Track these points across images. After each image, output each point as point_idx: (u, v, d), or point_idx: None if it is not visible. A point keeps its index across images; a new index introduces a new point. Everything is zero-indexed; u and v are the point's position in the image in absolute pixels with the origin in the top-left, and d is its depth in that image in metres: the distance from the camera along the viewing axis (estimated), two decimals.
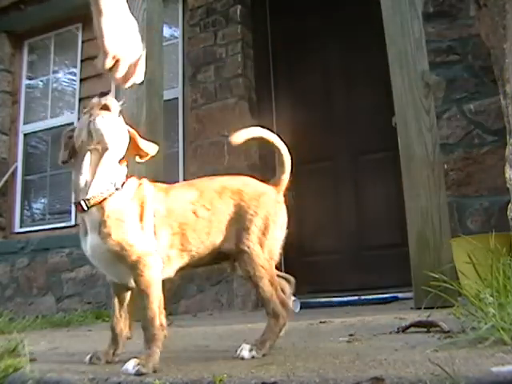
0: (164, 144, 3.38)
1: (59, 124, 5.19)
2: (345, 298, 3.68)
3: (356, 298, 3.66)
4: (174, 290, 3.67)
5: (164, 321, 1.33)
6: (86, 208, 1.37)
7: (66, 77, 5.41)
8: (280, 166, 1.64)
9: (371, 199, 3.99)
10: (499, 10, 2.04)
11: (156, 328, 1.29)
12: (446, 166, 3.32)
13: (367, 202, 4.01)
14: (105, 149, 1.35)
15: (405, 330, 1.63)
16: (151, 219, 1.39)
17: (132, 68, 1.30)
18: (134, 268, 1.33)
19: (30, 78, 5.54)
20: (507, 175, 2.02)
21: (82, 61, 5.12)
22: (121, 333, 1.49)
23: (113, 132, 1.35)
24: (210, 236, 1.44)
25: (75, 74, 5.21)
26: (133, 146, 1.45)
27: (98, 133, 1.33)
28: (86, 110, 1.41)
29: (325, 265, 4.04)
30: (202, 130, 4.35)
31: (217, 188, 1.49)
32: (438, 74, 3.48)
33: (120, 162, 1.42)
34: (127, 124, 1.46)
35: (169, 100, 4.16)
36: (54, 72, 5.45)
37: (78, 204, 1.39)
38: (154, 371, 1.22)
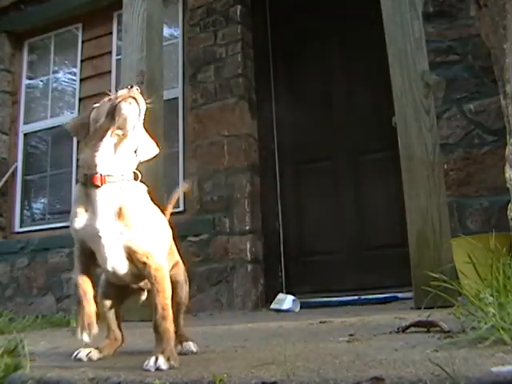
0: (164, 144, 3.38)
1: (59, 124, 5.18)
2: (345, 298, 3.68)
3: (356, 297, 3.66)
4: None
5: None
6: (103, 182, 1.32)
7: (66, 77, 5.41)
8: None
9: (371, 199, 3.99)
10: (499, 10, 2.04)
11: (170, 323, 1.31)
12: (446, 166, 3.32)
13: (367, 201, 4.01)
14: (125, 135, 1.34)
15: (405, 330, 1.63)
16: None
17: None
18: (146, 263, 1.34)
19: (30, 78, 5.54)
20: (507, 175, 2.02)
21: (81, 61, 5.13)
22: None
23: (135, 120, 1.34)
24: None
25: (75, 74, 5.21)
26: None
27: (122, 117, 1.31)
28: (110, 99, 1.38)
29: (325, 265, 4.04)
30: (202, 130, 4.35)
31: None
32: (437, 74, 3.48)
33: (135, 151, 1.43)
34: None
35: (169, 100, 4.16)
36: (54, 72, 5.45)
37: (92, 176, 1.33)
38: (173, 367, 1.23)
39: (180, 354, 1.48)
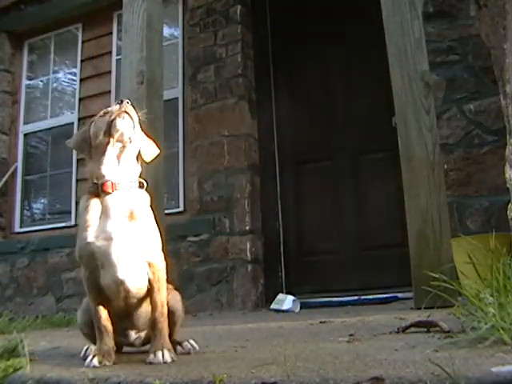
0: (164, 144, 3.38)
1: (59, 124, 5.19)
2: (345, 298, 3.68)
3: (356, 297, 3.66)
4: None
5: None
6: (114, 189, 1.41)
7: (66, 77, 5.41)
8: None
9: (371, 199, 3.99)
10: (499, 10, 2.04)
11: (166, 319, 1.41)
12: (446, 166, 3.32)
13: (367, 201, 4.01)
14: (124, 146, 1.44)
15: (405, 329, 1.63)
16: None
17: None
18: (151, 263, 1.43)
19: (30, 78, 5.54)
20: (507, 175, 2.02)
21: (81, 61, 5.12)
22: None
23: (130, 133, 1.44)
24: None
25: (75, 74, 5.21)
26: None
27: (119, 132, 1.42)
28: (105, 112, 1.48)
29: (325, 265, 4.04)
30: (202, 130, 4.35)
31: None
32: (438, 74, 3.48)
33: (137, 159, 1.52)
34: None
35: (169, 100, 4.16)
36: (54, 72, 5.45)
37: (103, 184, 1.42)
38: (174, 360, 1.34)
39: (181, 353, 1.49)
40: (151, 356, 1.34)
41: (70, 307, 4.27)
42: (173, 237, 3.91)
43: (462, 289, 1.45)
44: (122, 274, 1.39)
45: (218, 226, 4.12)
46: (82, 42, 5.17)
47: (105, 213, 1.40)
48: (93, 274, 1.41)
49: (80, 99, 5.04)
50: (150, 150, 1.55)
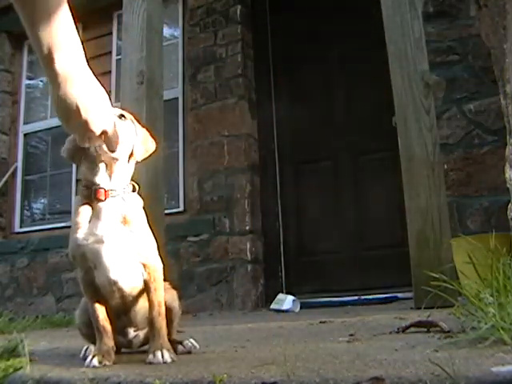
0: (164, 144, 3.38)
1: (59, 124, 5.15)
2: (345, 298, 3.68)
3: (356, 297, 3.66)
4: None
5: None
6: (107, 196, 1.39)
7: None
8: None
9: (371, 199, 3.99)
10: (499, 10, 2.04)
11: (163, 319, 1.40)
12: (446, 166, 3.32)
13: (367, 201, 4.01)
14: (115, 159, 1.40)
15: (405, 330, 1.63)
16: None
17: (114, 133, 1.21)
18: (146, 264, 1.42)
19: (30, 78, 5.54)
20: (507, 175, 2.02)
21: None
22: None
23: (120, 145, 1.37)
24: None
25: None
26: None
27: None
28: None
29: (325, 265, 4.04)
30: (202, 130, 4.35)
31: None
32: (438, 74, 3.49)
33: (128, 159, 1.47)
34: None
35: (169, 100, 4.17)
36: None
37: (96, 191, 1.39)
38: (174, 359, 1.34)
39: (182, 353, 1.49)
40: (151, 356, 1.34)
41: (70, 307, 4.26)
42: (173, 237, 3.91)
43: (462, 289, 1.45)
44: (114, 274, 1.39)
45: (218, 225, 4.12)
46: (82, 42, 5.14)
47: (97, 217, 1.39)
48: (87, 274, 1.42)
49: None
50: (143, 149, 1.49)
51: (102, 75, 4.93)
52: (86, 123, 1.08)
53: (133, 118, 1.49)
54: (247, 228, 4.03)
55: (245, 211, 4.07)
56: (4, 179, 5.12)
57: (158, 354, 1.34)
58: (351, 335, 1.65)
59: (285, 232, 4.26)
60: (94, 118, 1.08)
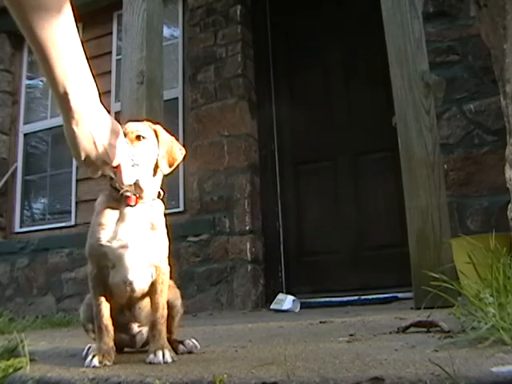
0: None
1: (59, 124, 5.15)
2: (345, 298, 3.68)
3: (356, 297, 3.66)
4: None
5: None
6: (137, 203, 1.41)
7: None
8: None
9: (371, 199, 3.99)
10: (499, 10, 2.04)
11: (165, 321, 1.42)
12: (446, 166, 3.32)
13: (367, 201, 4.01)
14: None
15: (405, 330, 1.63)
16: None
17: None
18: (158, 266, 1.44)
19: (29, 78, 5.54)
20: (507, 175, 2.02)
21: None
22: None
23: (145, 159, 1.39)
24: None
25: None
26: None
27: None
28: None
29: (325, 265, 4.04)
30: (202, 130, 4.35)
31: None
32: (438, 74, 3.48)
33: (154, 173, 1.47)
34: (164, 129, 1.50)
35: (169, 100, 4.17)
36: None
37: (128, 198, 1.41)
38: (174, 360, 1.35)
39: (183, 352, 1.50)
40: (151, 356, 1.35)
41: (70, 307, 4.27)
42: (173, 237, 3.89)
43: (462, 289, 1.45)
44: (132, 275, 1.41)
45: (218, 225, 4.12)
46: (82, 42, 5.14)
47: (123, 221, 1.40)
48: (101, 272, 1.42)
49: None
50: (168, 161, 1.48)
51: (101, 75, 4.93)
52: (102, 157, 1.11)
53: (158, 129, 1.47)
54: (247, 228, 4.04)
55: (245, 211, 4.07)
56: (4, 179, 5.12)
57: (159, 353, 1.34)
58: (351, 335, 1.65)
59: (285, 232, 4.26)
60: (109, 151, 1.12)
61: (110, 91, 4.85)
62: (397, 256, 3.44)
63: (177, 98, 4.57)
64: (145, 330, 1.52)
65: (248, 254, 3.98)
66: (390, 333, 1.65)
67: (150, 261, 1.43)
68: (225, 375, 1.07)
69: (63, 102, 1.01)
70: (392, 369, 1.01)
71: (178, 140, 1.55)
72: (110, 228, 1.39)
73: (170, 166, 1.49)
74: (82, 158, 1.09)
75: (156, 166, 1.45)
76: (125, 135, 1.36)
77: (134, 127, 1.41)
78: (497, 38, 2.07)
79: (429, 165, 2.64)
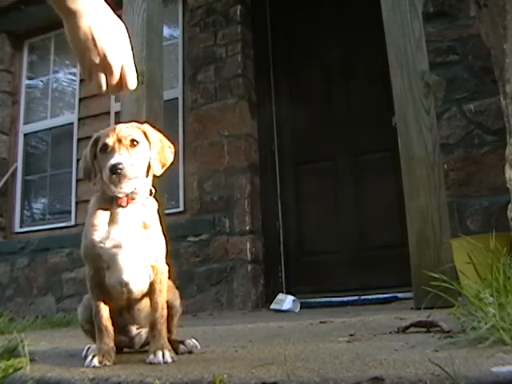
0: None
1: (59, 124, 5.19)
2: (345, 298, 3.68)
3: (356, 297, 3.66)
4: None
5: None
6: (129, 203, 1.41)
7: (66, 77, 5.41)
8: None
9: (371, 199, 3.99)
10: (499, 10, 2.04)
11: (165, 321, 1.42)
12: (446, 166, 3.32)
13: (367, 201, 4.01)
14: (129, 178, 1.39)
15: (405, 330, 1.63)
16: None
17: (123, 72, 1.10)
18: (154, 266, 1.44)
19: (30, 78, 5.54)
20: (507, 175, 2.02)
21: None
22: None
23: (132, 168, 1.37)
24: None
25: (75, 74, 5.21)
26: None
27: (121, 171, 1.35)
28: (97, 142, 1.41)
29: (325, 265, 4.04)
30: (201, 130, 4.35)
31: None
32: (438, 74, 3.48)
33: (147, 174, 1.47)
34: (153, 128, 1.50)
35: (169, 100, 4.16)
36: (54, 72, 5.45)
37: (119, 199, 1.41)
38: (174, 360, 1.35)
39: (183, 352, 1.50)
40: (151, 356, 1.35)
41: (70, 307, 4.27)
42: (173, 237, 3.88)
43: (462, 289, 1.45)
44: (126, 276, 1.41)
45: (218, 225, 4.12)
46: None
47: (116, 221, 1.40)
48: (97, 273, 1.42)
49: (80, 99, 5.04)
50: (160, 163, 1.48)
51: None
52: (103, 56, 1.03)
53: (146, 129, 1.46)
54: (247, 228, 4.03)
55: (245, 211, 4.07)
56: (4, 179, 5.12)
57: (159, 353, 1.34)
58: (351, 335, 1.65)
59: (285, 232, 4.26)
60: (110, 50, 1.04)
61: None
62: (397, 256, 3.44)
63: (177, 98, 4.57)
64: (144, 331, 1.52)
65: (248, 254, 3.98)
66: (390, 333, 1.65)
67: (146, 260, 1.42)
68: (225, 375, 1.07)
69: (57, 3, 0.95)
70: (392, 369, 1.01)
71: (166, 137, 1.55)
72: (102, 229, 1.39)
73: (163, 167, 1.49)
74: (82, 58, 1.03)
75: (148, 167, 1.46)
76: (119, 141, 1.36)
77: (126, 132, 1.40)
78: (497, 38, 2.07)
79: (429, 165, 2.64)
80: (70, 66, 5.35)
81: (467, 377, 0.88)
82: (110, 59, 1.04)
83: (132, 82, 1.11)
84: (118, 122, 1.47)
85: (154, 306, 1.42)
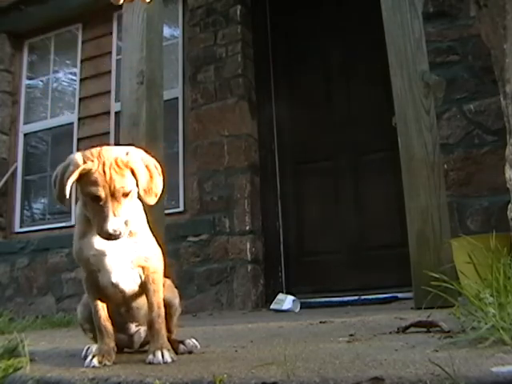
0: (164, 144, 3.39)
1: (59, 124, 5.19)
2: (345, 298, 3.68)
3: (356, 297, 3.66)
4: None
5: None
6: (117, 237, 1.32)
7: (66, 77, 5.41)
8: None
9: (371, 199, 3.99)
10: (499, 10, 2.04)
11: (163, 320, 1.42)
12: (446, 166, 3.32)
13: (367, 201, 4.01)
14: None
15: (405, 330, 1.63)
16: None
17: None
18: (145, 266, 1.43)
19: (30, 78, 5.54)
20: (507, 175, 2.02)
21: (82, 61, 5.12)
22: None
23: (126, 226, 1.33)
24: None
25: (75, 74, 5.21)
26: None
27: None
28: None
29: (325, 265, 4.04)
30: (201, 130, 4.35)
31: None
32: (438, 74, 3.48)
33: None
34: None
35: (169, 100, 4.16)
36: (54, 72, 5.45)
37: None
38: (174, 359, 1.34)
39: (183, 352, 1.50)
40: (151, 356, 1.35)
41: (70, 307, 4.26)
42: (173, 237, 3.91)
43: (462, 289, 1.45)
44: (115, 278, 1.42)
45: (218, 225, 4.12)
46: (82, 42, 5.17)
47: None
48: (91, 275, 1.44)
49: (80, 99, 5.04)
50: (153, 193, 1.40)
51: (101, 75, 4.94)
52: None
53: (133, 164, 1.35)
54: (247, 228, 4.03)
55: (245, 211, 4.07)
56: (4, 179, 5.11)
57: (159, 354, 1.35)
58: (351, 335, 1.65)
59: (285, 232, 4.26)
60: None
61: (109, 91, 4.85)
62: (397, 256, 3.44)
63: (177, 98, 4.57)
64: (143, 329, 1.52)
65: (248, 254, 3.98)
66: (390, 333, 1.65)
67: (134, 262, 1.42)
68: (225, 375, 1.07)
69: None
70: (392, 369, 1.01)
71: (150, 154, 1.45)
72: (88, 237, 1.41)
73: (155, 196, 1.41)
74: None
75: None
76: (112, 194, 1.30)
77: (119, 183, 1.30)
78: (497, 38, 2.07)
79: (429, 165, 2.64)
80: (70, 66, 5.35)
81: (467, 377, 0.89)
82: None
83: None
84: (108, 144, 1.39)
85: (149, 305, 1.42)
